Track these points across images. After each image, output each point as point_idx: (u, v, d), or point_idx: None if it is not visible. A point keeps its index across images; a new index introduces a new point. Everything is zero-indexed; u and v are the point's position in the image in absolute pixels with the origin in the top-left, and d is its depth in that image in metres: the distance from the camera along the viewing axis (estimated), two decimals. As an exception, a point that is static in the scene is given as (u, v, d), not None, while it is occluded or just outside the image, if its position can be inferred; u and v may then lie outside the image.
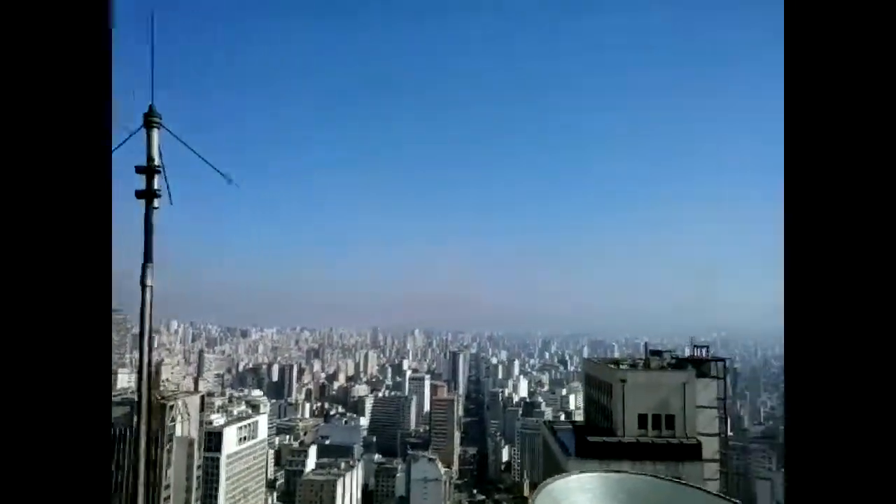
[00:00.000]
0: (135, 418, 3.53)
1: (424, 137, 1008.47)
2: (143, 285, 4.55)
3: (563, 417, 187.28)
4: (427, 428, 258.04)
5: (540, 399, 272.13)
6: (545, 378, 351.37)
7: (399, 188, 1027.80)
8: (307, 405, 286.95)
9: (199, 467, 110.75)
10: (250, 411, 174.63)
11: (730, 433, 78.87)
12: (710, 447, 55.60)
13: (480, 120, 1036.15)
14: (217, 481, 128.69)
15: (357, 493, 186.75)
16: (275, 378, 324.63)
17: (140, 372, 3.66)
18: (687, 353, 77.03)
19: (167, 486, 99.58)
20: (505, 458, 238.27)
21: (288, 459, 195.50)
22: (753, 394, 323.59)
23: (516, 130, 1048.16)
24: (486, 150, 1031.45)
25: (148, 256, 5.14)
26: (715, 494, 3.08)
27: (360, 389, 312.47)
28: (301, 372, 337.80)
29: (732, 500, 3.03)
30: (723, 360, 67.34)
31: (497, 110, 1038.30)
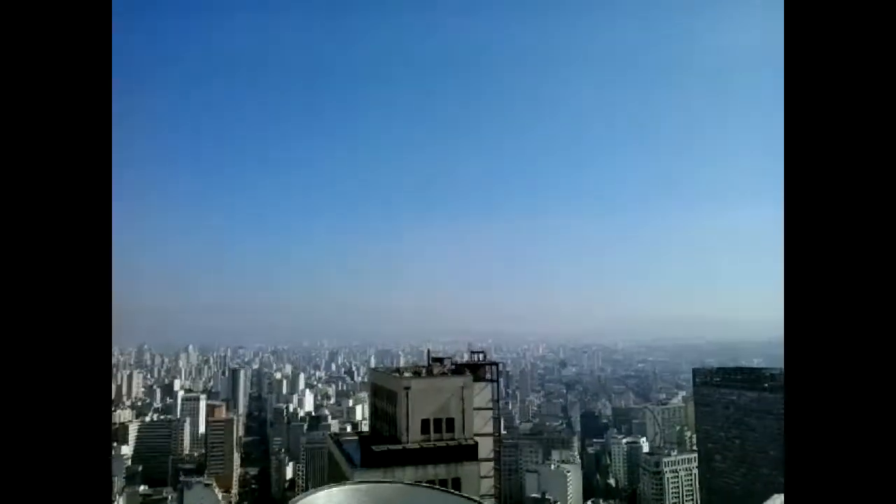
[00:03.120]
0: None
1: (204, 130, 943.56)
2: None
3: (349, 429, 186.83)
4: (202, 452, 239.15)
5: (326, 412, 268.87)
6: (331, 390, 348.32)
7: (165, 183, 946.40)
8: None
9: None
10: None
11: (503, 431, 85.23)
12: (486, 446, 59.33)
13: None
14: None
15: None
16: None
17: None
18: (465, 358, 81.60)
19: None
20: (289, 475, 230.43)
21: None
22: (523, 393, 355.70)
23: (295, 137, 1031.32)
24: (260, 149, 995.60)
25: None
26: (457, 494, 3.10)
27: (123, 415, 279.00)
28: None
29: (470, 497, 3.04)
30: (496, 363, 72.49)
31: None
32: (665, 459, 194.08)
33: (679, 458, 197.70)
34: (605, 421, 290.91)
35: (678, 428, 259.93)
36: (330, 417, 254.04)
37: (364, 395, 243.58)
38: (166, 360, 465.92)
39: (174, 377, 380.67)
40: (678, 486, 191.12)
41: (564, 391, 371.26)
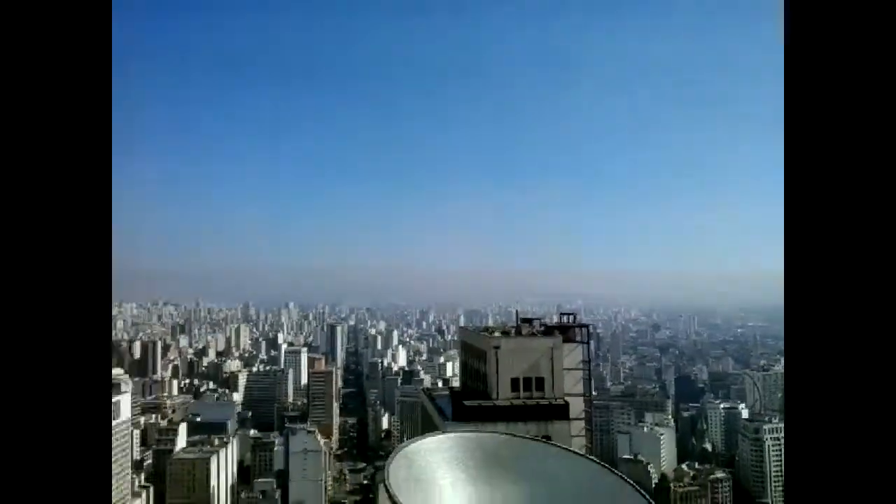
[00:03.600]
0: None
1: (293, 105, 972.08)
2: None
3: (440, 384, 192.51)
4: (305, 401, 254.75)
5: (418, 367, 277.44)
6: (423, 347, 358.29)
7: (268, 155, 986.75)
8: (175, 382, 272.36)
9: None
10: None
11: (593, 393, 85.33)
12: (577, 406, 59.91)
13: (358, 83, 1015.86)
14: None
15: (233, 469, 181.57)
16: (137, 355, 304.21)
17: None
18: (555, 320, 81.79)
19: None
20: (385, 425, 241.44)
21: (155, 439, 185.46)
22: (614, 356, 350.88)
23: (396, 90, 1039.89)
24: (356, 116, 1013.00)
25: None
26: (564, 448, 3.52)
27: (233, 364, 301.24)
28: (166, 348, 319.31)
29: (579, 452, 3.50)
30: (586, 325, 72.33)
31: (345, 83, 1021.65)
32: (766, 426, 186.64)
33: (780, 425, 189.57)
34: (701, 385, 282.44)
35: (780, 395, 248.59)
36: (422, 372, 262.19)
37: (454, 352, 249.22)
38: (269, 315, 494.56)
39: (277, 331, 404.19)
40: (779, 454, 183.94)
41: (658, 354, 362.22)
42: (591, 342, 70.83)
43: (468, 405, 56.22)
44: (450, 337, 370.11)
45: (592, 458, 3.40)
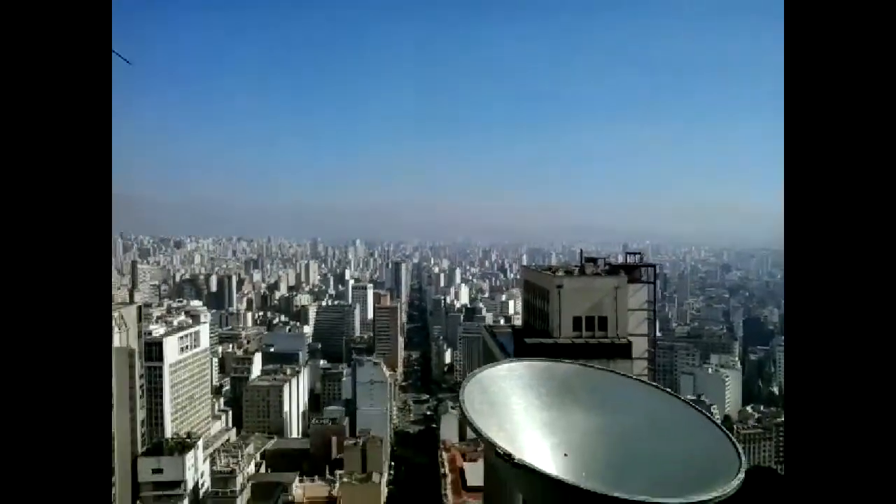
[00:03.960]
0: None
1: (352, 44, 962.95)
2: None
3: (502, 322, 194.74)
4: (371, 335, 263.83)
5: (481, 305, 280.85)
6: (485, 285, 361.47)
7: (334, 96, 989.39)
8: (249, 315, 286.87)
9: (141, 377, 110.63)
10: (190, 321, 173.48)
11: (658, 333, 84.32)
12: (640, 346, 59.42)
13: (406, 30, 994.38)
14: (161, 389, 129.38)
15: (304, 397, 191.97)
16: (213, 289, 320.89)
17: None
18: (620, 259, 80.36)
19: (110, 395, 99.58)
20: (447, 360, 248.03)
21: (232, 367, 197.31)
22: (681, 296, 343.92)
23: (449, 39, 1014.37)
24: (420, 58, 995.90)
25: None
26: (637, 379, 3.42)
27: (303, 299, 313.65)
28: (241, 282, 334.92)
29: (653, 383, 3.38)
30: (653, 265, 70.73)
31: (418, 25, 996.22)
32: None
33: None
34: (770, 328, 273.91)
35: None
36: (484, 310, 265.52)
37: (516, 291, 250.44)
38: (337, 252, 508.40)
39: (345, 268, 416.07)
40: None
41: (727, 296, 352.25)
42: (658, 282, 69.40)
43: (529, 342, 56.69)
44: (512, 276, 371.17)
45: (667, 389, 3.42)
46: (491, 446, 2.57)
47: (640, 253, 74.71)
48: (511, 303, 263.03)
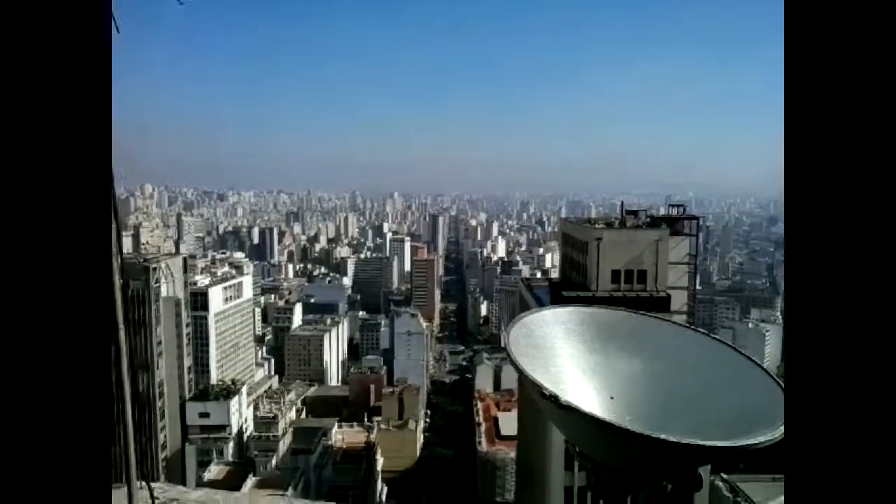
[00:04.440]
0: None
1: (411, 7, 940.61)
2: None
3: (539, 275, 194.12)
4: (408, 286, 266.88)
5: (518, 258, 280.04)
6: (523, 238, 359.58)
7: (373, 45, 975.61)
8: (290, 266, 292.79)
9: (187, 325, 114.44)
10: (234, 272, 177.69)
11: (698, 287, 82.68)
12: (679, 300, 58.27)
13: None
14: (206, 338, 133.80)
15: (343, 346, 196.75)
16: (255, 241, 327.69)
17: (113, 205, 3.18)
18: (662, 212, 78.38)
19: (159, 343, 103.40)
20: (483, 312, 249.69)
21: (274, 317, 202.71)
22: (723, 250, 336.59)
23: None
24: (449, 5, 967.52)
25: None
26: (684, 325, 3.09)
27: (342, 251, 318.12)
28: (282, 234, 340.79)
29: (701, 330, 3.01)
30: (696, 218, 68.73)
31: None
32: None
33: None
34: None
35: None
36: (521, 263, 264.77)
37: (554, 244, 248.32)
38: (375, 204, 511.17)
39: (383, 220, 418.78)
40: None
41: (772, 249, 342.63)
42: (700, 235, 67.57)
43: (566, 295, 56.12)
44: (550, 229, 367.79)
45: (715, 336, 3.41)
46: (536, 388, 2.63)
47: (682, 205, 72.57)
48: (548, 256, 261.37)
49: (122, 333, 3.68)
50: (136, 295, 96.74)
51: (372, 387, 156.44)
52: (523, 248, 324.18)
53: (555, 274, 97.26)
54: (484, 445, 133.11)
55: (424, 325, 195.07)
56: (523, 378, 2.79)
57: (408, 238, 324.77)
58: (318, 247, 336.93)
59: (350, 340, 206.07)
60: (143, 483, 3.64)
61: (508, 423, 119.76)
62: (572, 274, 65.49)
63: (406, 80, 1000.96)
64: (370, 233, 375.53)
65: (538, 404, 2.79)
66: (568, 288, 60.23)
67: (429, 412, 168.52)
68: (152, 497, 3.62)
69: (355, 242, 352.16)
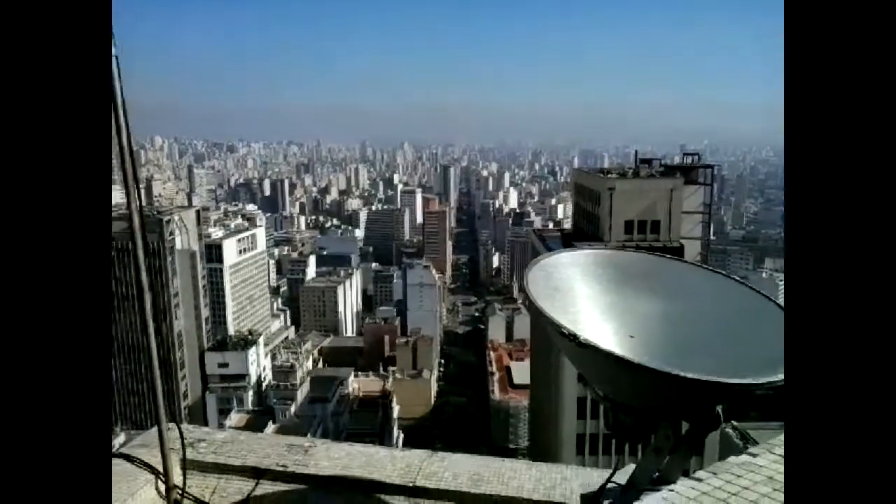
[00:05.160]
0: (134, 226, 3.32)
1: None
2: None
3: (551, 226, 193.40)
4: (420, 238, 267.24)
5: (529, 209, 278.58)
6: (535, 189, 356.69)
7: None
8: (302, 218, 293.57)
9: (203, 277, 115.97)
10: (247, 224, 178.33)
11: (712, 237, 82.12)
12: (692, 250, 58.06)
13: None
14: (222, 290, 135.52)
15: (357, 298, 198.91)
16: (267, 193, 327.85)
17: (123, 156, 3.21)
18: (676, 161, 77.29)
19: (175, 294, 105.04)
20: (495, 264, 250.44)
21: (288, 269, 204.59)
22: (738, 199, 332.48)
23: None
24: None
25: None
26: (703, 266, 3.13)
27: (354, 203, 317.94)
28: (293, 186, 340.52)
29: (720, 271, 3.03)
30: (711, 166, 67.81)
31: None
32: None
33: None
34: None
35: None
36: (533, 214, 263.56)
37: (566, 194, 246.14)
38: (385, 155, 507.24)
39: (393, 172, 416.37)
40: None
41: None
42: (715, 184, 66.75)
43: (578, 245, 56.11)
44: (562, 179, 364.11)
45: (733, 276, 3.42)
46: (556, 327, 2.66)
47: (697, 154, 71.54)
48: (560, 207, 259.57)
49: (144, 279, 3.76)
50: (151, 247, 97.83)
51: (386, 337, 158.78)
52: (535, 198, 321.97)
53: (567, 225, 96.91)
54: (497, 394, 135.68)
55: (437, 276, 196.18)
56: (542, 318, 2.78)
57: (419, 190, 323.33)
58: (329, 198, 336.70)
59: (363, 292, 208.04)
60: (173, 423, 3.82)
61: (521, 372, 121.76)
62: (585, 225, 65.26)
63: (414, 28, 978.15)
64: (381, 185, 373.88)
65: (557, 344, 2.83)
66: (580, 239, 60.14)
67: (442, 362, 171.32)
68: (182, 435, 3.81)
69: (366, 194, 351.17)
